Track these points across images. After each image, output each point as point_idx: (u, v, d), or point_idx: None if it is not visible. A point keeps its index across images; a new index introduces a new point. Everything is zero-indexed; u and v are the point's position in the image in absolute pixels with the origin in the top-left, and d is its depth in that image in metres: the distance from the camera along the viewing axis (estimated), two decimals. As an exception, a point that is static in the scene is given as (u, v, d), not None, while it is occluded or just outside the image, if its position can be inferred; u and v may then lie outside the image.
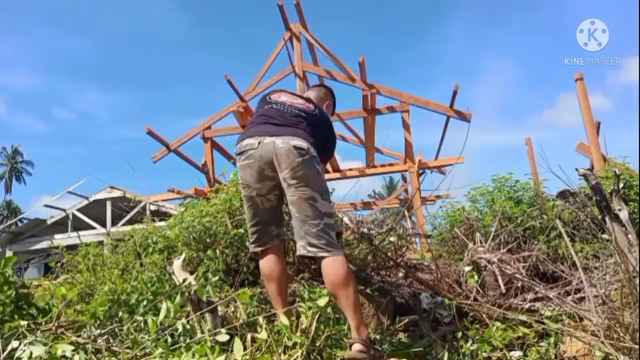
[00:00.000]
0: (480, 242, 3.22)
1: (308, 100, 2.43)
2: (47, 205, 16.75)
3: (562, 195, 3.86)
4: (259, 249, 2.25)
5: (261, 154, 2.10)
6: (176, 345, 1.88)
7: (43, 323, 2.16)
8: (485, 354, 2.02)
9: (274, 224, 2.25)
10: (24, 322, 1.93)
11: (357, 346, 1.86)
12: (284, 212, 2.37)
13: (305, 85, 9.33)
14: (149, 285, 2.41)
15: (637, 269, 1.83)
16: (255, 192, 2.17)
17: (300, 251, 2.05)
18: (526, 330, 2.20)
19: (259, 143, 2.11)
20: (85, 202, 16.52)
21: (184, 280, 2.15)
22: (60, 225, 17.15)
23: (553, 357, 1.97)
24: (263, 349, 1.87)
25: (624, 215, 2.36)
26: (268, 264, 2.23)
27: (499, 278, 2.68)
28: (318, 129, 2.27)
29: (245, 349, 1.81)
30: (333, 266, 1.97)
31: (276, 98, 2.37)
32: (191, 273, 2.53)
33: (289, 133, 2.12)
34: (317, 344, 1.97)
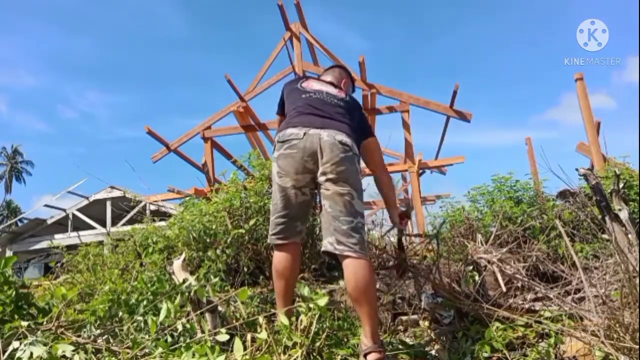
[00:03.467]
0: (481, 242, 3.22)
1: (335, 85, 2.45)
2: (47, 205, 16.79)
3: (562, 195, 3.87)
4: (280, 242, 2.17)
5: (305, 145, 2.05)
6: (176, 345, 1.88)
7: (43, 323, 2.16)
8: (485, 354, 2.01)
9: (300, 220, 2.18)
10: (24, 322, 1.93)
11: (374, 355, 1.82)
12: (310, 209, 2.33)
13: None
14: (149, 285, 2.41)
15: (637, 269, 1.83)
16: (292, 183, 2.10)
17: (327, 247, 1.99)
18: (526, 331, 2.20)
19: (304, 134, 2.06)
20: (85, 202, 16.53)
21: (184, 281, 2.15)
22: (60, 225, 17.16)
23: (553, 357, 1.97)
24: (263, 349, 1.87)
25: (624, 215, 2.35)
26: (284, 259, 2.16)
27: (499, 278, 2.68)
28: (354, 115, 2.29)
29: (245, 348, 1.81)
30: (356, 269, 1.91)
31: (310, 86, 2.36)
32: (191, 273, 2.53)
33: (334, 127, 2.09)
34: (317, 344, 1.97)
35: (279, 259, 2.18)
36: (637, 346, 1.66)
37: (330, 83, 2.47)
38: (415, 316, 2.73)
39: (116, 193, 15.70)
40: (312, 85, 2.37)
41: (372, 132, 2.43)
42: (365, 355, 1.84)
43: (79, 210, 16.72)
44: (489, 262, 2.75)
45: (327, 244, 1.99)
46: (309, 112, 2.18)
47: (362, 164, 2.31)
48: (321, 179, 2.04)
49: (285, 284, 2.17)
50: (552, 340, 2.03)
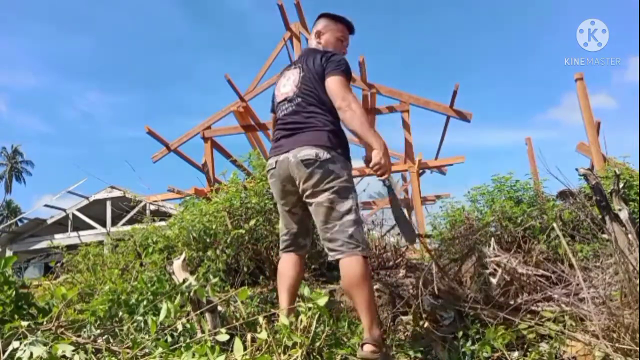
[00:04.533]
0: (487, 244, 3.22)
1: (300, 63, 2.28)
2: (47, 205, 16.77)
3: (562, 195, 3.86)
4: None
5: (280, 173, 2.17)
6: (176, 345, 1.88)
7: (43, 323, 2.16)
8: (485, 354, 2.01)
9: (302, 235, 2.31)
10: (24, 322, 1.93)
11: (368, 347, 1.87)
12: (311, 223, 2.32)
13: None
14: (149, 285, 2.42)
15: (637, 269, 1.82)
16: (281, 207, 2.29)
17: (328, 257, 2.11)
18: (526, 332, 2.20)
19: (276, 162, 2.19)
20: (85, 202, 16.53)
21: (184, 280, 2.15)
22: (60, 225, 17.16)
23: (553, 357, 1.97)
24: (263, 349, 1.87)
25: (624, 215, 2.35)
26: (288, 262, 2.28)
27: (500, 278, 2.68)
28: (322, 84, 2.14)
29: (245, 348, 1.81)
30: (348, 267, 1.98)
31: (278, 96, 2.32)
32: (191, 273, 2.53)
33: (299, 142, 2.11)
34: (317, 344, 1.97)
35: (284, 261, 2.30)
36: (637, 347, 1.66)
37: (297, 66, 2.30)
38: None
39: (116, 193, 15.69)
40: (280, 92, 2.32)
41: (331, 72, 2.12)
42: (361, 346, 1.90)
43: (79, 210, 16.71)
44: (498, 264, 2.75)
45: (328, 254, 2.10)
46: (279, 136, 2.25)
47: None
48: (303, 197, 2.14)
49: (288, 283, 2.23)
50: (552, 341, 2.03)
